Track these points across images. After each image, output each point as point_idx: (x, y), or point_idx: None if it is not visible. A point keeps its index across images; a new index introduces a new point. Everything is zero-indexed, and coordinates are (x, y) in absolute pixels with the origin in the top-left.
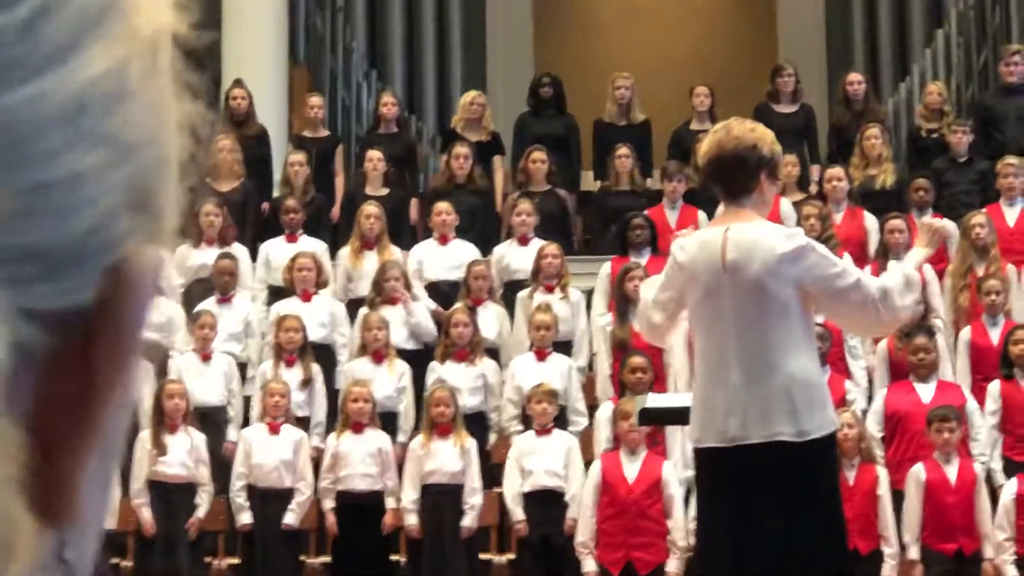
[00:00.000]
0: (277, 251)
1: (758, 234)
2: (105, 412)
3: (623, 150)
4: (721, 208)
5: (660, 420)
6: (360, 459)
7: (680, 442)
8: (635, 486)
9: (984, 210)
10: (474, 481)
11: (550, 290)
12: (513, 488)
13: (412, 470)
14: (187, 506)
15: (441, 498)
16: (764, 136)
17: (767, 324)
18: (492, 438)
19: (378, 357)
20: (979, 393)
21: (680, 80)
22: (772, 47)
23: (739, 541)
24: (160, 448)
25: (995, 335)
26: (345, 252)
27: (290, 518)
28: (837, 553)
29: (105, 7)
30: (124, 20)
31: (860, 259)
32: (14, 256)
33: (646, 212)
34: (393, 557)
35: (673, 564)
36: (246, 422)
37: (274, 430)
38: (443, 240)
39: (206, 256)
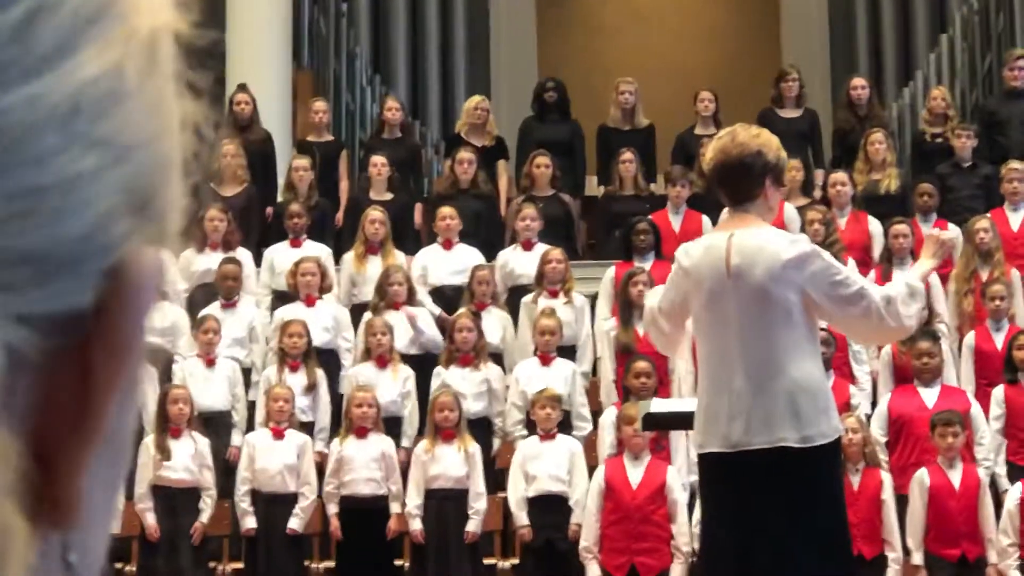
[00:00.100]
0: (281, 256)
1: (762, 240)
2: (105, 415)
3: (627, 155)
4: (725, 213)
5: (664, 425)
6: (364, 464)
7: (684, 447)
8: (639, 491)
9: (988, 215)
10: (478, 486)
11: (554, 295)
12: (517, 493)
13: (416, 475)
14: (191, 511)
15: (445, 503)
16: (769, 142)
17: (771, 330)
18: (496, 443)
19: (382, 362)
20: (983, 398)
21: (684, 85)
22: (776, 52)
23: (742, 546)
24: (164, 453)
25: (999, 340)
26: (349, 257)
27: (294, 523)
28: (840, 559)
29: (100, 8)
30: (120, 21)
31: (864, 264)
32: (8, 260)
33: (650, 217)
34: (397, 562)
35: (677, 569)
36: (250, 427)
37: (278, 435)
38: (447, 245)
39: (210, 261)
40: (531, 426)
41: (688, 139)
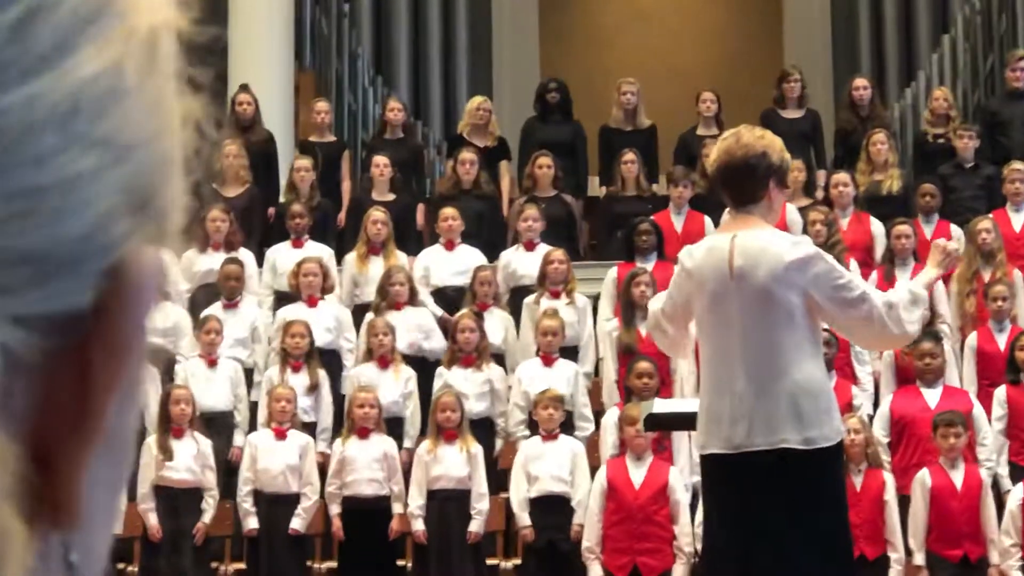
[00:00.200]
0: (283, 256)
1: (765, 241)
2: (105, 415)
3: (629, 155)
4: (727, 214)
5: (666, 426)
6: (366, 464)
7: (686, 447)
8: (641, 491)
9: (990, 215)
10: (481, 486)
11: (556, 296)
12: (519, 494)
13: (419, 475)
14: (193, 511)
15: (447, 503)
16: (773, 144)
17: (773, 331)
18: (499, 444)
19: (384, 362)
20: (985, 399)
21: (686, 86)
22: (778, 52)
23: (744, 548)
24: (166, 453)
25: (1002, 340)
26: (351, 257)
27: (296, 523)
28: (841, 560)
29: (99, 7)
30: (119, 20)
31: (866, 265)
32: (8, 260)
33: (652, 218)
34: (399, 562)
35: (679, 570)
36: (252, 427)
37: (280, 435)
38: (449, 246)
39: (212, 261)
40: (533, 427)
41: (690, 140)
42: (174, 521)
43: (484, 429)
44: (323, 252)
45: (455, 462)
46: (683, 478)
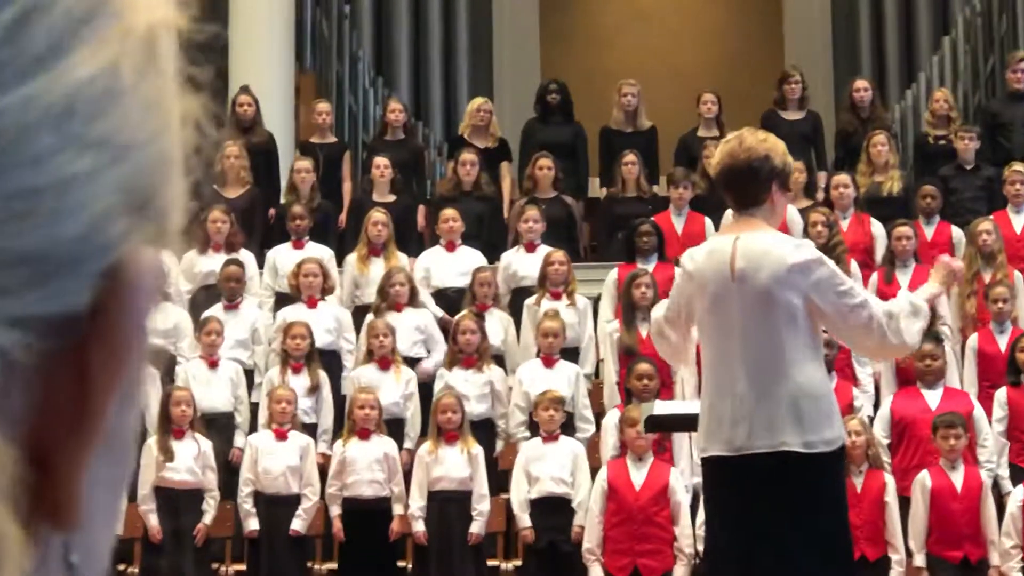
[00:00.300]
0: (284, 257)
1: (768, 244)
2: (103, 416)
3: (630, 157)
4: (728, 216)
5: (667, 427)
6: (367, 465)
7: (687, 449)
8: (642, 493)
9: (991, 217)
10: (481, 488)
11: (557, 297)
12: (520, 495)
13: (419, 477)
14: (194, 512)
15: (448, 505)
16: (776, 147)
17: (775, 334)
18: (499, 445)
19: (384, 364)
20: (986, 400)
21: (687, 87)
22: (778, 54)
23: (746, 549)
24: (167, 454)
25: (1002, 342)
26: (352, 259)
27: (297, 524)
28: (842, 563)
29: (94, 7)
30: (115, 19)
31: (867, 266)
32: (5, 262)
33: (653, 219)
34: (400, 564)
35: (680, 571)
36: (253, 428)
37: (281, 436)
38: (450, 247)
39: (213, 262)
40: (534, 428)
41: (690, 141)
42: (175, 522)
43: (485, 430)
44: (324, 253)
45: (456, 463)
46: (684, 479)
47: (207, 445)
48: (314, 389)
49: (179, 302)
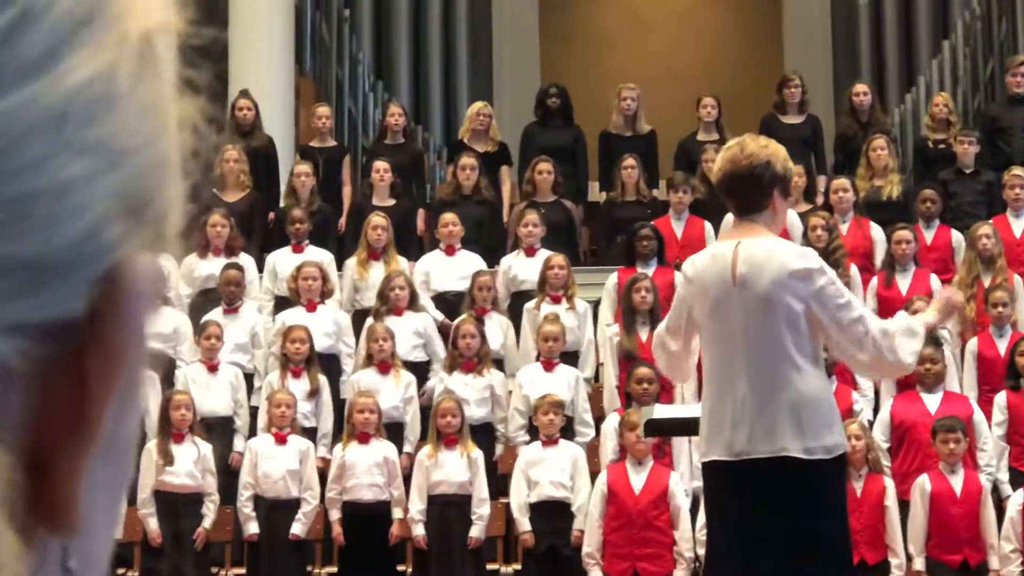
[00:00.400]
0: (283, 261)
1: (770, 249)
2: (101, 421)
3: (629, 161)
4: (728, 221)
5: (666, 431)
6: (366, 469)
7: (687, 453)
8: (641, 497)
9: (991, 221)
10: (481, 491)
11: (556, 301)
12: (520, 498)
13: (419, 480)
14: (193, 516)
15: (448, 508)
16: (777, 153)
17: (776, 339)
18: (499, 449)
19: (384, 368)
20: (986, 404)
21: (686, 91)
22: (778, 58)
23: (745, 554)
24: (167, 458)
25: (1002, 346)
26: (352, 263)
27: (297, 528)
28: (842, 566)
29: (89, 13)
30: (112, 24)
31: (866, 270)
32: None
33: (652, 223)
34: (400, 568)
35: (679, 575)
36: (253, 432)
37: (280, 440)
38: (450, 251)
39: (213, 266)
40: (533, 432)
41: (690, 145)
42: (174, 526)
43: (484, 434)
44: (323, 257)
45: (456, 467)
46: (683, 483)
47: (207, 449)
48: (314, 393)
49: (179, 306)
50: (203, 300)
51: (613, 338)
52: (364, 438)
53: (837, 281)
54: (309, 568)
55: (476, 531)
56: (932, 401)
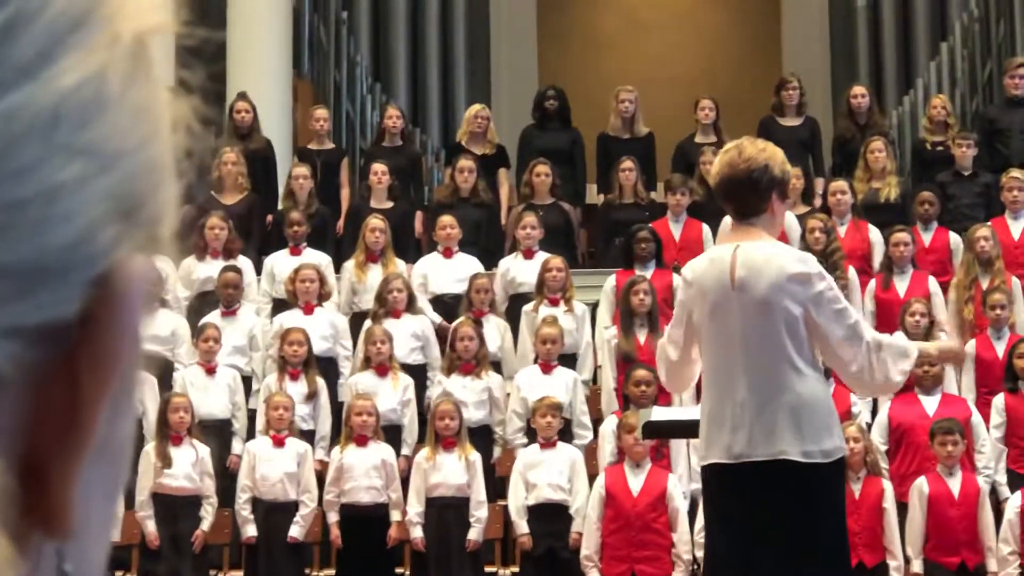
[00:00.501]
0: (281, 264)
1: (768, 253)
2: (94, 424)
3: (627, 163)
4: (726, 223)
5: (664, 433)
6: (364, 472)
7: (685, 455)
8: (639, 499)
9: (989, 223)
10: (479, 494)
11: (555, 303)
12: (518, 501)
13: (417, 483)
14: (192, 518)
15: (446, 511)
16: (775, 156)
17: (775, 342)
18: (497, 451)
19: (382, 370)
20: (984, 406)
21: (684, 93)
22: (776, 60)
23: (744, 557)
24: (165, 461)
25: (1000, 348)
26: (350, 265)
27: (295, 531)
28: (840, 569)
29: (82, 15)
30: (102, 27)
31: (864, 272)
32: None
33: (650, 225)
34: (398, 570)
35: None
36: (251, 435)
37: (278, 443)
38: (447, 253)
39: (211, 269)
40: (532, 434)
41: (688, 147)
42: (172, 528)
43: (482, 437)
44: (321, 259)
45: (454, 470)
46: (682, 486)
47: (205, 451)
48: (312, 396)
49: (177, 308)
50: (201, 302)
51: (611, 340)
52: (362, 441)
53: (836, 288)
54: (307, 571)
55: (474, 533)
56: (930, 403)
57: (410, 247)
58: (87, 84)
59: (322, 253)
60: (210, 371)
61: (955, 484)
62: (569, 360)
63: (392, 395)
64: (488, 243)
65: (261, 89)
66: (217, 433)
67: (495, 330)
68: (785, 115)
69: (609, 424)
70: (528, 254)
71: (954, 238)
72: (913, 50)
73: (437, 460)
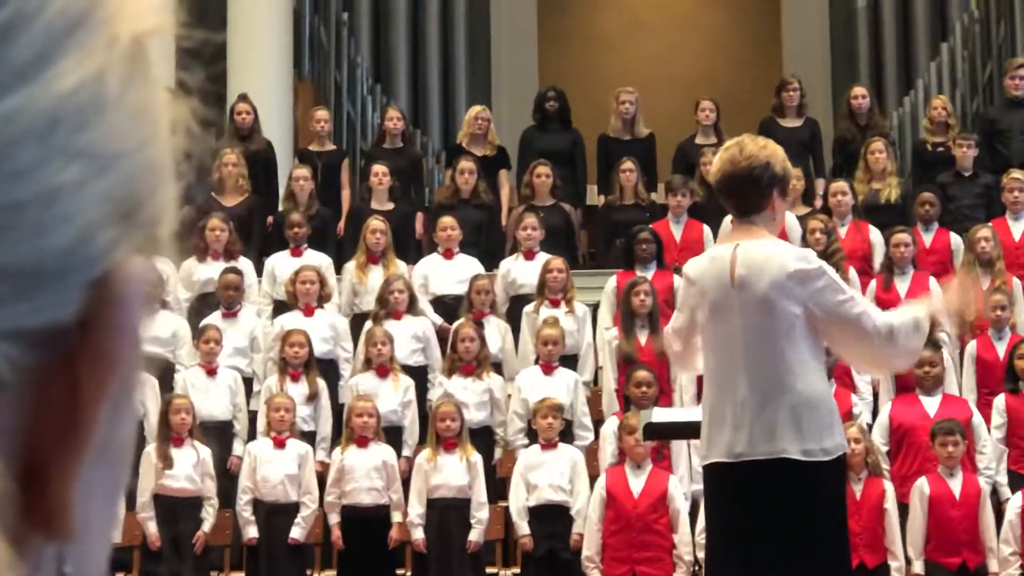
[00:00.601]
0: (282, 265)
1: (768, 251)
2: (94, 426)
3: (627, 164)
4: (727, 224)
5: (665, 435)
6: (365, 473)
7: (686, 456)
8: (640, 500)
9: (989, 224)
10: (480, 495)
11: (555, 304)
12: (519, 502)
13: (418, 484)
14: (193, 520)
15: (447, 512)
16: (776, 153)
17: (775, 341)
18: (498, 452)
19: (383, 372)
20: (985, 407)
21: (685, 94)
22: (777, 61)
23: (745, 557)
24: (166, 462)
25: (1001, 349)
26: (350, 266)
27: (296, 532)
28: (841, 569)
29: (77, 19)
30: (100, 29)
31: (865, 273)
32: None
33: (651, 226)
34: (399, 571)
35: None
36: (251, 436)
37: (279, 444)
38: (448, 255)
39: (211, 270)
40: (532, 435)
41: (688, 148)
42: (173, 530)
43: (483, 438)
44: (322, 261)
45: (455, 471)
46: (682, 487)
47: (206, 453)
48: (312, 397)
49: (178, 310)
50: (202, 304)
51: (612, 341)
52: (363, 442)
53: (838, 279)
54: (308, 572)
55: (475, 535)
56: (931, 404)
57: (411, 248)
58: (85, 86)
59: (323, 255)
60: (211, 372)
61: (956, 485)
62: (570, 361)
63: (393, 396)
64: (489, 244)
65: (262, 90)
66: (218, 434)
67: (496, 331)
68: (785, 116)
69: (610, 425)
70: (529, 255)
71: (955, 239)
72: (913, 51)
73: (438, 461)
